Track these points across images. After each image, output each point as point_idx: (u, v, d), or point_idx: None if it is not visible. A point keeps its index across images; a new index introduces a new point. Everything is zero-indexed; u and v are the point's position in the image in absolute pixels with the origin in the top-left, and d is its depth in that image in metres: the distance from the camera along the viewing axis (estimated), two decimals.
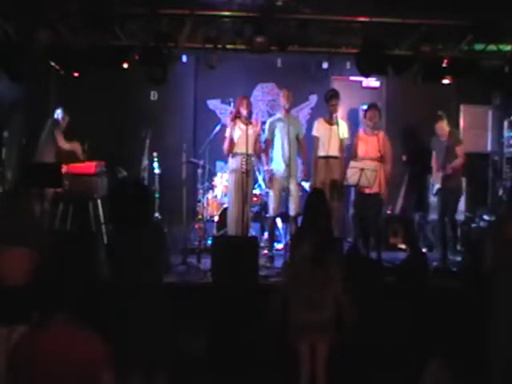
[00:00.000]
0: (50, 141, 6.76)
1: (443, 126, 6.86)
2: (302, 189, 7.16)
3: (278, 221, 7.08)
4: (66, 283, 2.56)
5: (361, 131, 6.99)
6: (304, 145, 6.83)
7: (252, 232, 6.97)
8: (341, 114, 7.12)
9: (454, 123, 8.46)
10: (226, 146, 6.64)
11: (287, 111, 6.77)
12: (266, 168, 6.80)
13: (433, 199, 7.35)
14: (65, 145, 6.78)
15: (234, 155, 6.64)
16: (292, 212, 6.57)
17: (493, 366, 3.66)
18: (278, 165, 6.70)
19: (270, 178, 6.72)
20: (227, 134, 6.65)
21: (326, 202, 4.50)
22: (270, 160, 6.80)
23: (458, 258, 6.81)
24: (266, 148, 6.84)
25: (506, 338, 3.71)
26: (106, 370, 2.41)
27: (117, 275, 3.64)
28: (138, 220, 3.61)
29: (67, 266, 2.71)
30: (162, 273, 3.75)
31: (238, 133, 6.59)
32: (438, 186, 6.88)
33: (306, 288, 4.08)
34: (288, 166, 6.54)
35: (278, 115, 6.86)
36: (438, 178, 6.87)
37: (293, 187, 6.62)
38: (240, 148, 6.56)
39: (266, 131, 6.86)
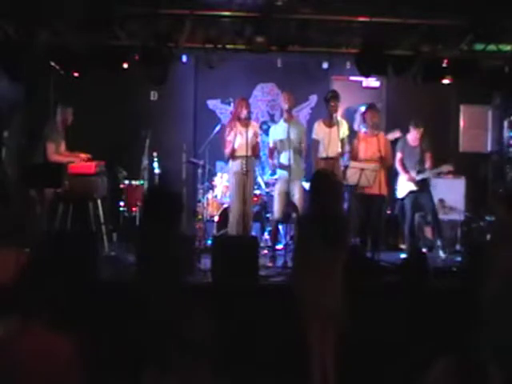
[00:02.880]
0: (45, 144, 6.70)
1: (416, 137, 6.96)
2: (303, 189, 7.16)
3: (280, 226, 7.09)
4: (45, 286, 2.54)
5: (361, 132, 7.01)
6: (305, 149, 6.82)
7: (252, 232, 6.97)
8: (340, 114, 7.13)
9: (454, 123, 8.51)
10: (227, 150, 6.65)
11: (289, 113, 6.76)
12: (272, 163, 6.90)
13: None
14: (55, 157, 6.59)
15: (235, 158, 6.66)
16: (294, 214, 6.58)
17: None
18: (282, 169, 6.70)
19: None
20: (229, 138, 6.66)
21: (331, 183, 4.38)
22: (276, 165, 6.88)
23: (458, 258, 6.82)
24: (270, 154, 6.87)
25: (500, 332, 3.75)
26: (75, 371, 2.41)
27: (142, 274, 3.70)
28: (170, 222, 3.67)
29: (51, 267, 2.69)
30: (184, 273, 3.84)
31: (237, 136, 6.60)
32: (409, 188, 6.93)
33: (316, 274, 4.04)
34: (292, 169, 6.53)
35: (281, 120, 6.86)
36: (409, 180, 6.92)
37: (296, 190, 6.61)
38: (240, 150, 6.58)
39: (270, 138, 6.87)
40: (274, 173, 7.10)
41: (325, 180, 4.33)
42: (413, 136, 7.01)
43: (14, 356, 2.36)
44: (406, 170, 7.00)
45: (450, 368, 2.15)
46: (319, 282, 4.02)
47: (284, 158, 6.64)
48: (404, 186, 7.01)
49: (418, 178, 6.93)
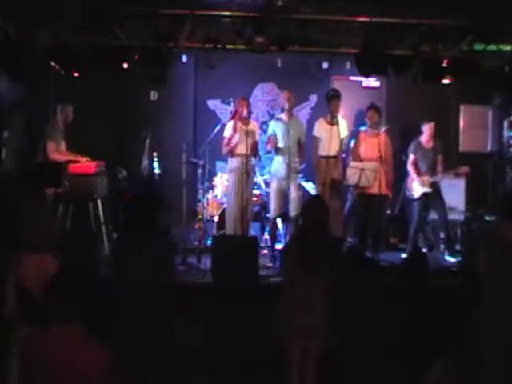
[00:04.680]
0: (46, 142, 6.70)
1: (430, 133, 6.97)
2: (303, 189, 7.17)
3: (278, 221, 7.08)
4: (76, 288, 2.56)
5: (362, 132, 7.02)
6: (304, 149, 6.82)
7: (252, 232, 6.97)
8: (341, 114, 7.13)
9: (454, 123, 8.50)
10: (228, 148, 6.65)
11: (289, 112, 6.76)
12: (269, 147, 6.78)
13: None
14: (56, 156, 6.59)
15: (234, 156, 6.66)
16: (292, 213, 6.57)
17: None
18: (278, 166, 6.69)
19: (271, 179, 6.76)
20: (226, 134, 6.66)
21: (322, 209, 4.47)
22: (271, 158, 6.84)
23: (458, 258, 6.82)
24: (269, 140, 6.80)
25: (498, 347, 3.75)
26: (106, 379, 2.42)
27: (122, 279, 3.69)
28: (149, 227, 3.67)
29: (76, 269, 2.72)
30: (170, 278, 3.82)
31: (237, 135, 6.60)
32: (422, 190, 6.93)
33: (298, 291, 4.10)
34: (288, 167, 6.54)
35: (281, 115, 6.85)
36: (422, 183, 6.93)
37: (293, 188, 6.62)
38: (239, 149, 6.58)
39: (268, 132, 6.86)
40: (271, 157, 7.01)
41: (315, 206, 4.41)
42: (427, 133, 7.01)
43: (51, 356, 2.37)
44: (420, 173, 6.98)
45: (449, 368, 2.16)
46: (303, 304, 4.07)
47: (280, 158, 6.63)
48: (418, 188, 6.99)
49: (432, 179, 6.92)
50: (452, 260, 6.84)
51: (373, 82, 8.40)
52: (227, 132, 6.69)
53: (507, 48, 6.68)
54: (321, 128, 6.82)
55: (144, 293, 3.57)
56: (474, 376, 2.27)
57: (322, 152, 6.77)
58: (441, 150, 7.05)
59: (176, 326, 3.64)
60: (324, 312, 4.09)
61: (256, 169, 7.19)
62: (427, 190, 6.92)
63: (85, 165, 6.67)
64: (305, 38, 6.47)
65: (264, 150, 7.20)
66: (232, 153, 6.67)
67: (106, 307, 4.22)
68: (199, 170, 7.20)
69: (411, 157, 7.07)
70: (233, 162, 6.70)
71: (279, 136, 6.67)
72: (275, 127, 6.73)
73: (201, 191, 7.30)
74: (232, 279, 5.35)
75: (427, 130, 7.01)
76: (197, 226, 7.08)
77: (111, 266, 3.88)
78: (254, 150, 6.78)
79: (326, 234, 4.39)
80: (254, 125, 6.85)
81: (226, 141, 6.68)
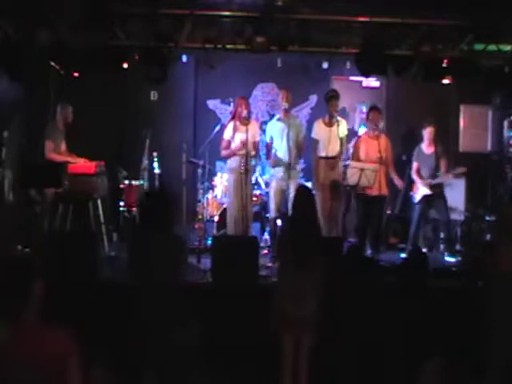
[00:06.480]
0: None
1: (431, 137, 6.96)
2: None
3: (278, 221, 7.07)
4: (32, 282, 2.51)
5: (363, 133, 7.02)
6: (302, 146, 6.83)
7: (252, 232, 6.97)
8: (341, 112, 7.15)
9: (454, 123, 8.50)
10: (226, 153, 6.65)
11: (287, 112, 6.76)
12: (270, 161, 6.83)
13: None
14: (53, 156, 6.60)
15: (233, 155, 6.66)
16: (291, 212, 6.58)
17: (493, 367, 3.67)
18: (277, 166, 6.69)
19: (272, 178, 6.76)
20: (226, 136, 6.67)
21: (310, 202, 4.50)
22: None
23: (458, 258, 6.82)
24: (267, 151, 6.86)
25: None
26: (73, 366, 2.40)
27: (136, 277, 3.73)
28: (161, 224, 3.75)
29: (35, 264, 2.67)
30: (179, 276, 3.86)
31: (237, 134, 6.61)
32: (423, 193, 6.95)
33: (291, 283, 4.15)
34: (288, 167, 6.54)
35: (278, 116, 6.85)
36: (424, 185, 6.94)
37: (292, 188, 6.61)
38: (239, 149, 6.58)
39: (267, 134, 6.86)
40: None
41: (303, 199, 4.43)
42: (426, 138, 7.01)
43: (13, 361, 2.35)
44: (423, 179, 6.99)
45: (444, 368, 2.17)
46: (293, 295, 4.13)
47: (277, 152, 6.65)
48: (420, 191, 7.00)
49: (434, 182, 6.93)
50: (452, 260, 6.84)
51: (373, 82, 8.40)
52: (227, 134, 6.69)
53: (507, 48, 6.67)
54: (319, 129, 6.82)
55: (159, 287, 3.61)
56: (472, 375, 2.27)
57: (321, 153, 6.77)
58: (443, 155, 7.06)
59: (176, 326, 3.65)
60: (314, 303, 4.12)
61: (256, 169, 7.19)
62: (428, 192, 6.92)
63: (85, 165, 6.68)
64: (305, 38, 6.47)
65: (264, 151, 7.20)
66: (230, 154, 6.68)
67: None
68: (199, 170, 7.20)
69: (414, 164, 7.09)
70: (232, 162, 6.70)
71: (278, 136, 6.68)
72: (272, 130, 6.74)
73: (201, 191, 7.29)
74: (232, 279, 5.34)
75: (426, 134, 7.01)
76: (197, 226, 7.08)
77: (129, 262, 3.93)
78: (255, 150, 6.78)
79: (314, 226, 4.40)
80: (253, 125, 6.85)
81: (224, 144, 6.68)
